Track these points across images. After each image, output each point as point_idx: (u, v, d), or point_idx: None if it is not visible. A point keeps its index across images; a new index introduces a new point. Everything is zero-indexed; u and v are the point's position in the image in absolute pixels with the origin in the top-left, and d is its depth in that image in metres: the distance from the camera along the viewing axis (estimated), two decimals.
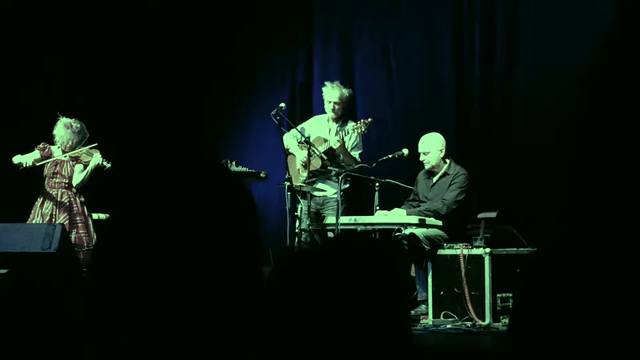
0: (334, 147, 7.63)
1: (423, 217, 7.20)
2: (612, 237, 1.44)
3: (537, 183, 8.09)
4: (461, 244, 7.10)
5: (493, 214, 7.18)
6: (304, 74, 9.55)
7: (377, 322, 1.50)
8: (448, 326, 6.80)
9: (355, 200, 8.78)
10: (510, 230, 7.25)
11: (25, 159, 7.66)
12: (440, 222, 7.28)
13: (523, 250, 7.04)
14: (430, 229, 7.20)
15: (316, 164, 7.72)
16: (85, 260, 7.32)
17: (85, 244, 7.51)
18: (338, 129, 7.84)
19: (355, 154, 7.86)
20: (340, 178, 7.40)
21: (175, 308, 1.36)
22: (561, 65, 8.21)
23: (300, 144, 7.91)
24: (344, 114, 8.01)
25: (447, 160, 7.66)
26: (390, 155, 7.69)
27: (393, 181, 7.79)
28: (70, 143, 7.71)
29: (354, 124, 7.80)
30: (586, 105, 8.04)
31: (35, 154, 7.72)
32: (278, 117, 7.53)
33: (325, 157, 7.64)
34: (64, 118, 7.75)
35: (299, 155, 7.85)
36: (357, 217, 7.41)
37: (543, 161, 8.13)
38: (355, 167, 7.74)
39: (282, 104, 7.73)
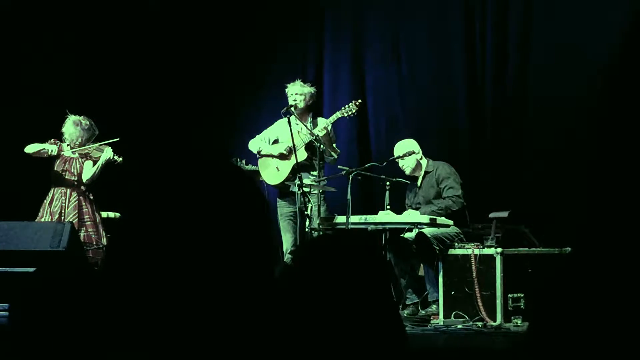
0: (320, 135, 7.57)
1: (434, 217, 7.17)
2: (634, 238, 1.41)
3: (549, 182, 8.06)
4: (472, 244, 7.06)
5: (504, 214, 7.15)
6: (315, 73, 9.54)
7: (365, 316, 1.50)
8: (459, 326, 6.77)
9: (366, 199, 8.76)
10: (522, 230, 7.21)
11: (49, 147, 7.63)
12: (451, 222, 7.25)
13: (535, 250, 7.00)
14: (440, 228, 7.17)
15: (301, 157, 7.64)
16: (95, 258, 7.31)
17: (94, 242, 7.51)
18: (310, 124, 7.79)
19: (334, 145, 7.83)
20: (350, 177, 7.37)
21: (188, 305, 1.37)
22: (574, 62, 8.17)
23: (275, 144, 7.91)
24: (308, 109, 7.94)
25: (425, 160, 7.64)
26: (401, 154, 7.65)
27: (404, 180, 7.76)
28: (79, 140, 7.71)
29: (344, 107, 7.72)
30: (600, 103, 8.00)
31: (54, 147, 7.71)
32: (288, 115, 7.51)
33: (317, 143, 7.55)
34: (73, 115, 7.75)
35: (277, 149, 7.81)
36: (368, 217, 7.37)
37: (555, 160, 8.10)
38: (335, 157, 7.73)
39: (293, 102, 7.73)
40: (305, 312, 1.52)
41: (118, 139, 7.66)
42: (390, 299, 1.60)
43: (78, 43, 9.25)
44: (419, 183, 7.68)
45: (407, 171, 7.64)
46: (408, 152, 7.63)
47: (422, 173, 7.65)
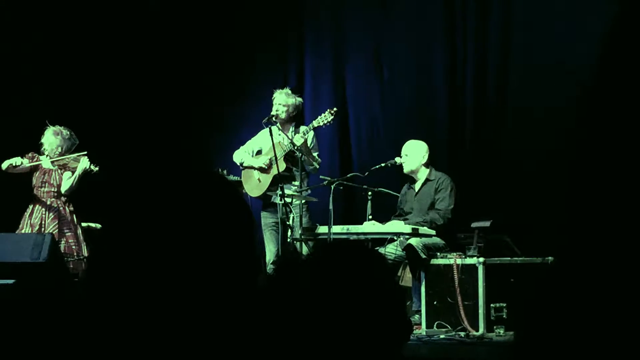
0: (297, 144, 7.55)
1: (416, 227, 7.17)
2: (621, 245, 1.41)
3: (531, 192, 8.07)
4: (455, 254, 7.07)
5: (487, 223, 7.15)
6: (296, 84, 9.53)
7: (372, 331, 1.49)
8: (441, 336, 6.76)
9: (348, 209, 8.76)
10: (504, 240, 7.22)
11: (16, 160, 7.60)
12: (433, 232, 7.25)
13: (517, 260, 7.01)
14: (426, 238, 7.17)
15: (280, 168, 7.63)
16: (75, 269, 7.28)
17: (75, 253, 7.47)
18: (291, 133, 7.79)
19: (314, 154, 7.81)
20: (332, 187, 7.37)
21: (170, 316, 1.36)
22: (553, 71, 8.20)
23: (256, 155, 7.91)
24: (291, 120, 7.94)
25: (429, 168, 7.66)
26: (382, 164, 7.67)
27: (385, 190, 7.77)
28: (59, 150, 7.67)
29: (320, 115, 7.71)
30: (581, 111, 8.02)
31: (25, 161, 7.66)
32: (269, 125, 7.51)
33: (298, 152, 7.53)
34: (52, 126, 7.71)
35: (258, 162, 7.82)
36: (350, 227, 7.36)
37: (537, 170, 8.11)
38: (317, 166, 7.72)
39: (274, 112, 7.73)
40: (288, 321, 1.51)
41: (86, 152, 7.64)
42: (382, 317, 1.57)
43: (50, 53, 9.20)
44: (416, 188, 7.68)
45: (406, 169, 7.65)
46: (390, 164, 7.62)
47: (423, 180, 7.66)
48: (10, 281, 5.96)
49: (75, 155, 7.68)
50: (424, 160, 7.67)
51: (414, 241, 7.10)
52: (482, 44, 8.73)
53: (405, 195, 7.78)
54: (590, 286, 1.38)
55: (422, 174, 7.68)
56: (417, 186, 7.69)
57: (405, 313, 1.62)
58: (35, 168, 7.70)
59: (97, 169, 7.60)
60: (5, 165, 7.62)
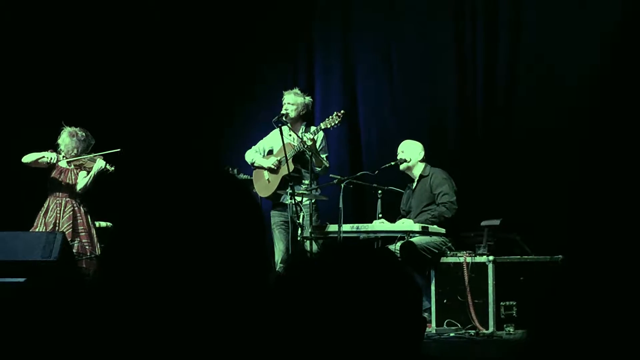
0: (308, 144, 7.53)
1: (426, 225, 7.17)
2: (632, 244, 1.42)
3: (541, 191, 8.06)
4: (464, 252, 7.07)
5: (496, 222, 7.15)
6: (306, 84, 9.53)
7: (386, 332, 1.49)
8: (451, 335, 6.77)
9: (358, 207, 8.76)
10: (514, 238, 7.21)
11: (52, 156, 7.60)
12: (443, 230, 7.25)
13: (527, 258, 7.01)
14: (427, 237, 7.16)
15: (289, 168, 7.62)
16: (88, 268, 7.30)
17: (89, 253, 7.49)
18: (302, 133, 7.77)
19: (323, 156, 7.79)
20: (342, 185, 7.37)
21: (181, 314, 1.37)
22: (563, 71, 8.19)
23: (268, 155, 7.91)
24: (301, 119, 7.92)
25: (421, 165, 7.67)
26: (392, 163, 7.67)
27: (395, 188, 7.77)
28: (75, 151, 7.69)
29: (327, 118, 7.70)
30: (589, 112, 8.01)
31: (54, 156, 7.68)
32: (280, 124, 7.50)
33: (309, 151, 7.52)
34: (69, 127, 7.73)
35: (267, 162, 7.82)
36: (360, 225, 7.37)
37: (547, 169, 8.10)
38: (326, 165, 7.71)
39: (284, 111, 7.72)
40: (299, 320, 1.52)
41: (119, 149, 7.65)
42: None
43: (70, 54, 9.23)
44: (414, 186, 7.69)
45: (402, 166, 7.67)
46: (401, 160, 7.65)
47: (418, 177, 7.67)
48: (22, 279, 5.98)
49: (91, 155, 7.70)
50: (420, 157, 7.68)
51: (414, 240, 7.11)
52: (491, 43, 8.73)
53: (405, 195, 7.81)
54: (601, 284, 1.38)
55: (417, 171, 7.69)
56: (414, 184, 7.71)
57: (420, 310, 1.63)
58: (52, 166, 7.72)
59: (112, 168, 7.62)
60: (32, 158, 7.59)
